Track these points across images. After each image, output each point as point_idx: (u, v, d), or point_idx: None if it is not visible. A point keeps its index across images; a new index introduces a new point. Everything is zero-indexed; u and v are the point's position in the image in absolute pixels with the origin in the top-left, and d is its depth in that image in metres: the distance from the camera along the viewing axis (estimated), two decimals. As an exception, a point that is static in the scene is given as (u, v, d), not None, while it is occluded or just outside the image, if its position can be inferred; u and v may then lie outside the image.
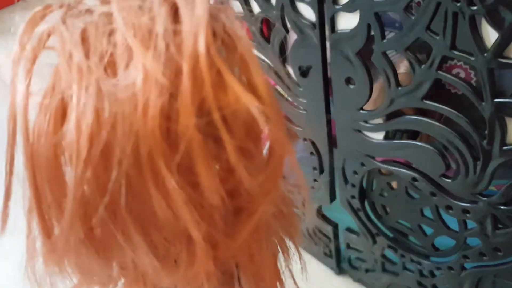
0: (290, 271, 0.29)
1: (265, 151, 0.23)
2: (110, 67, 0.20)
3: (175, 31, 0.20)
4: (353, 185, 0.52)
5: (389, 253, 0.54)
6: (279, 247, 0.29)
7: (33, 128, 0.21)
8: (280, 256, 0.29)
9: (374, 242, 0.54)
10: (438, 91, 0.41)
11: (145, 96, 0.19)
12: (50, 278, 0.24)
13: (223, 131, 0.20)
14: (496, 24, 0.33)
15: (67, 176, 0.21)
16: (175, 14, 0.20)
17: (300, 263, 0.31)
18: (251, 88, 0.21)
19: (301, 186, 0.27)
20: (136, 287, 0.25)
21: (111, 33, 0.21)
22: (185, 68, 0.19)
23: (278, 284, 0.28)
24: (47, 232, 0.22)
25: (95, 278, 0.25)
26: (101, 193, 0.20)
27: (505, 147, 0.37)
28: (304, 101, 0.49)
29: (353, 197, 0.53)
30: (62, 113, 0.21)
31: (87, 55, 0.20)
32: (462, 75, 0.47)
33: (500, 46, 0.33)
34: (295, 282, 0.30)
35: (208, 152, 0.20)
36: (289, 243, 0.30)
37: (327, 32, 0.42)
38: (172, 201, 0.20)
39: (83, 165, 0.20)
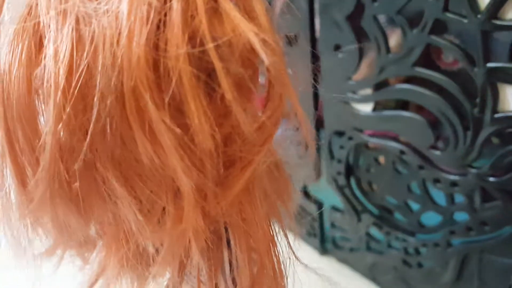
0: (285, 233, 0.27)
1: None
2: None
3: None
4: (339, 161, 0.51)
5: (374, 231, 0.53)
6: (271, 211, 0.27)
7: (5, 58, 0.18)
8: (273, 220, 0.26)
9: (359, 220, 0.53)
10: (429, 67, 0.40)
11: (130, 21, 0.17)
12: (28, 233, 0.22)
13: (217, 64, 0.18)
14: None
15: (41, 116, 0.19)
16: None
17: (291, 232, 0.29)
18: (249, 15, 0.19)
19: (303, 127, 0.24)
20: (117, 246, 0.22)
21: None
22: None
23: (271, 246, 0.25)
24: (21, 180, 0.20)
25: (72, 238, 0.22)
26: (81, 135, 0.18)
27: (496, 115, 0.36)
28: (291, 71, 0.48)
29: (339, 173, 0.51)
30: (38, 42, 0.18)
31: None
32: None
33: (494, 6, 0.32)
34: (289, 245, 0.27)
35: (200, 89, 0.18)
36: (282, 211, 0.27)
37: (316, -4, 0.41)
38: (159, 145, 0.18)
39: (61, 100, 0.17)
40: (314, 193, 0.57)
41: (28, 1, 0.19)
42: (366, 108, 0.45)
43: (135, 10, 0.17)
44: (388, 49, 0.39)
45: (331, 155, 0.51)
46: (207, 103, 0.18)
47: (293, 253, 0.26)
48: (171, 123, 0.17)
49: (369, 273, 0.56)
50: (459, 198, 0.43)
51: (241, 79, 0.18)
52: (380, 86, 0.42)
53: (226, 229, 0.24)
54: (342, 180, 0.52)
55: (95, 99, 0.17)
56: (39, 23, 0.18)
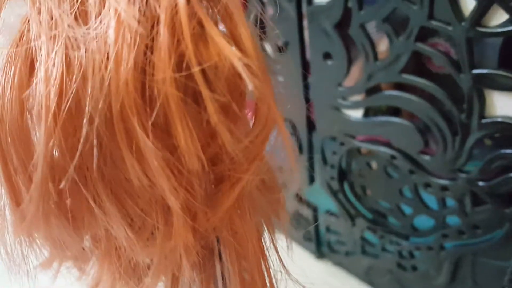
0: (275, 247, 0.27)
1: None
2: (82, 15, 0.18)
3: None
4: (332, 166, 0.51)
5: (368, 235, 0.53)
6: (263, 223, 0.27)
7: None
8: (265, 233, 0.27)
9: (353, 224, 0.53)
10: (418, 70, 0.40)
11: (118, 46, 0.17)
12: (22, 249, 0.22)
13: (203, 87, 0.18)
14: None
15: (34, 136, 0.19)
16: None
17: (286, 241, 0.29)
18: (235, 41, 0.19)
19: (290, 152, 0.24)
20: (109, 261, 0.23)
21: None
22: (163, 17, 0.18)
23: (262, 260, 0.26)
24: (15, 198, 0.20)
25: (67, 252, 0.23)
26: (71, 155, 0.18)
27: (483, 120, 0.36)
28: (282, 79, 0.48)
29: (332, 178, 0.52)
30: (29, 65, 0.19)
31: (57, 2, 0.19)
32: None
33: (478, 14, 0.32)
34: (280, 259, 0.27)
35: (187, 111, 0.18)
36: (274, 220, 0.28)
37: (303, 5, 0.41)
38: (147, 165, 0.18)
39: (51, 121, 0.18)
40: (309, 197, 0.58)
41: (20, 26, 0.19)
42: (356, 114, 0.45)
43: (122, 35, 0.17)
44: (376, 57, 0.40)
45: (324, 160, 0.51)
46: (194, 125, 0.18)
47: (284, 267, 0.27)
48: (158, 145, 0.18)
49: (365, 276, 0.56)
50: (451, 202, 0.43)
51: (227, 102, 0.19)
52: (369, 92, 0.42)
53: (218, 241, 0.24)
54: (335, 185, 0.52)
55: (84, 121, 0.18)
56: (30, 47, 0.19)
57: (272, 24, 0.45)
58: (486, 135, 0.37)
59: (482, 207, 0.41)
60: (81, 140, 0.18)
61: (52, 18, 0.18)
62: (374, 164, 0.48)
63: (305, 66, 0.46)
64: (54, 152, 0.18)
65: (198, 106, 0.19)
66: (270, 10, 0.44)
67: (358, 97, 0.44)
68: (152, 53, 0.18)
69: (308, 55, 0.45)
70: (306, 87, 0.47)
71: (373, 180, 0.49)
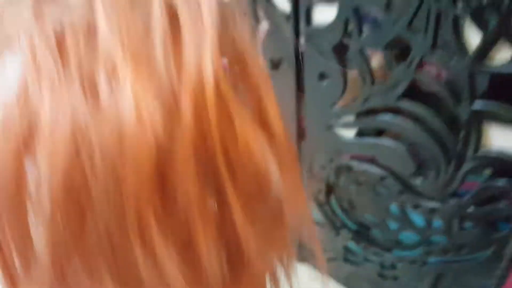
0: None
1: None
2: (90, 85, 0.16)
3: (174, 45, 0.15)
4: (320, 180, 0.51)
5: (351, 244, 0.53)
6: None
7: None
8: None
9: (337, 234, 0.54)
10: (413, 89, 0.40)
11: (134, 134, 0.15)
12: None
13: (230, 191, 0.16)
14: (481, 26, 0.32)
15: (31, 215, 0.17)
16: (173, 18, 0.15)
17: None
18: (263, 124, 0.17)
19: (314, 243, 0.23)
20: None
21: (92, 34, 0.15)
22: (187, 102, 0.15)
23: None
24: (11, 280, 0.18)
25: None
26: (74, 242, 0.16)
27: (478, 152, 0.36)
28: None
29: (319, 191, 0.52)
30: (28, 135, 0.16)
31: (61, 63, 0.16)
32: (433, 72, 0.46)
33: (483, 49, 0.32)
34: None
35: (208, 212, 0.16)
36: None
37: (301, 25, 0.40)
38: (160, 263, 0.16)
39: (53, 207, 0.16)
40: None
41: (19, 84, 0.16)
42: (348, 133, 0.45)
43: (140, 121, 0.15)
44: (373, 81, 0.39)
45: (312, 174, 0.51)
46: (213, 222, 0.17)
47: None
48: (174, 241, 0.16)
49: (346, 282, 0.57)
50: (437, 222, 0.44)
51: (252, 202, 0.17)
52: (363, 114, 0.42)
53: None
54: (322, 198, 0.52)
55: (90, 211, 0.16)
56: (30, 114, 0.16)
57: (267, 41, 0.43)
58: (480, 166, 0.37)
59: (470, 230, 0.41)
60: (86, 231, 0.16)
61: (55, 83, 0.15)
62: (363, 181, 0.48)
63: (299, 82, 0.45)
64: (54, 237, 0.16)
65: (219, 198, 0.17)
66: (265, 26, 0.43)
67: (351, 118, 0.43)
68: (172, 141, 0.15)
69: (304, 74, 0.44)
70: (298, 103, 0.46)
71: (361, 196, 0.49)
